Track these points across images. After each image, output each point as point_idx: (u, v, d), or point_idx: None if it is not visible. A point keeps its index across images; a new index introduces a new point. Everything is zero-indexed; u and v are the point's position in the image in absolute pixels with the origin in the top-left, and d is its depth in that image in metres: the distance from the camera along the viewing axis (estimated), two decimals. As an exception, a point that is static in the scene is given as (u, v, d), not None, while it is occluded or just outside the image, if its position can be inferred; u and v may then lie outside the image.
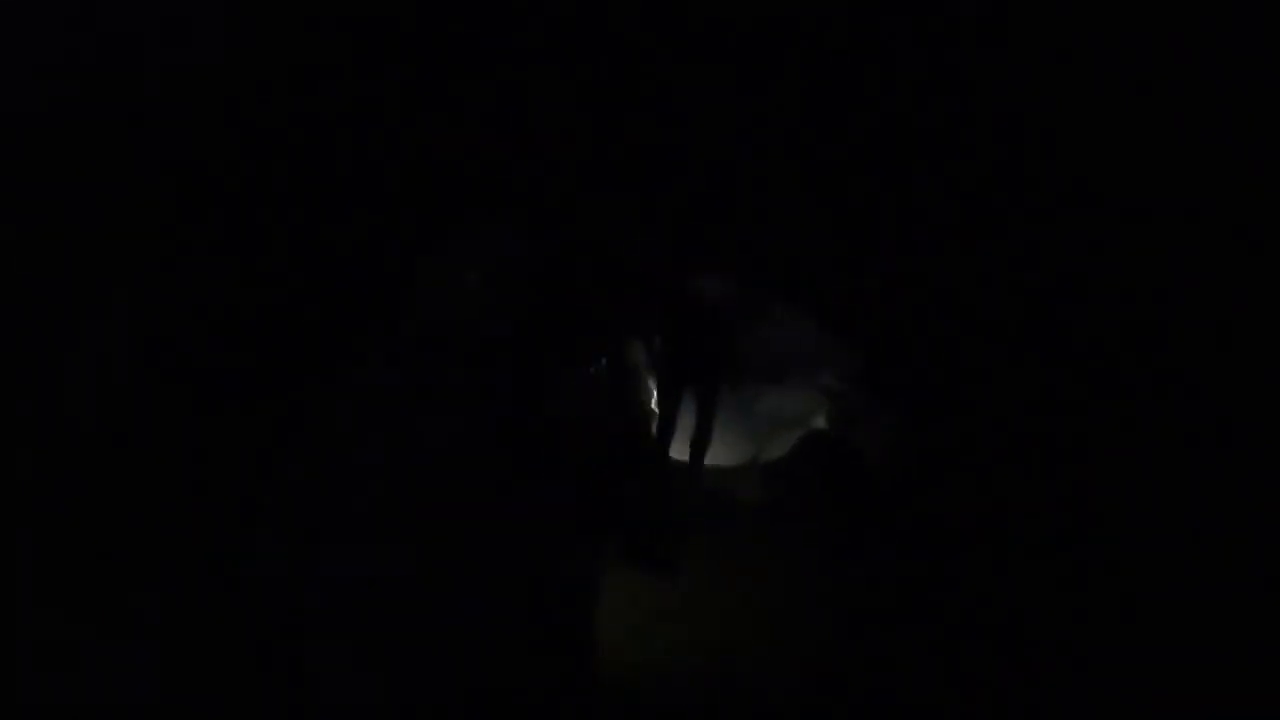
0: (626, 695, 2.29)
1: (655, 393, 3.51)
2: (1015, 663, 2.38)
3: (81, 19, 2.21)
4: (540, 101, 2.69)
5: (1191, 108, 2.37)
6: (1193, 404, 2.40)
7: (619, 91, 2.72)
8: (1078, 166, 2.58)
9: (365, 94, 2.58)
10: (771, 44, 2.74)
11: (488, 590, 1.38)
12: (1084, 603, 2.40)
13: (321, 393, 1.44)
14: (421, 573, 1.36)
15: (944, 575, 2.58)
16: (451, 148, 2.50)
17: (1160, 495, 2.40)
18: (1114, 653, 2.30)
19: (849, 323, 3.14)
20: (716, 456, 3.59)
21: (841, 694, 2.44)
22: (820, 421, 3.55)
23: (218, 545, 1.89)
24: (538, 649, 1.43)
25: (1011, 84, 2.62)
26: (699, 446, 3.45)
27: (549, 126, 2.70)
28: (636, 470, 2.28)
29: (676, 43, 2.72)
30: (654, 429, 2.36)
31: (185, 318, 2.24)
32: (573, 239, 2.62)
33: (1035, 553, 2.52)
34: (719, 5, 2.71)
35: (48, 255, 2.17)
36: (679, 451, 3.63)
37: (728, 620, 2.76)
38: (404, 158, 2.50)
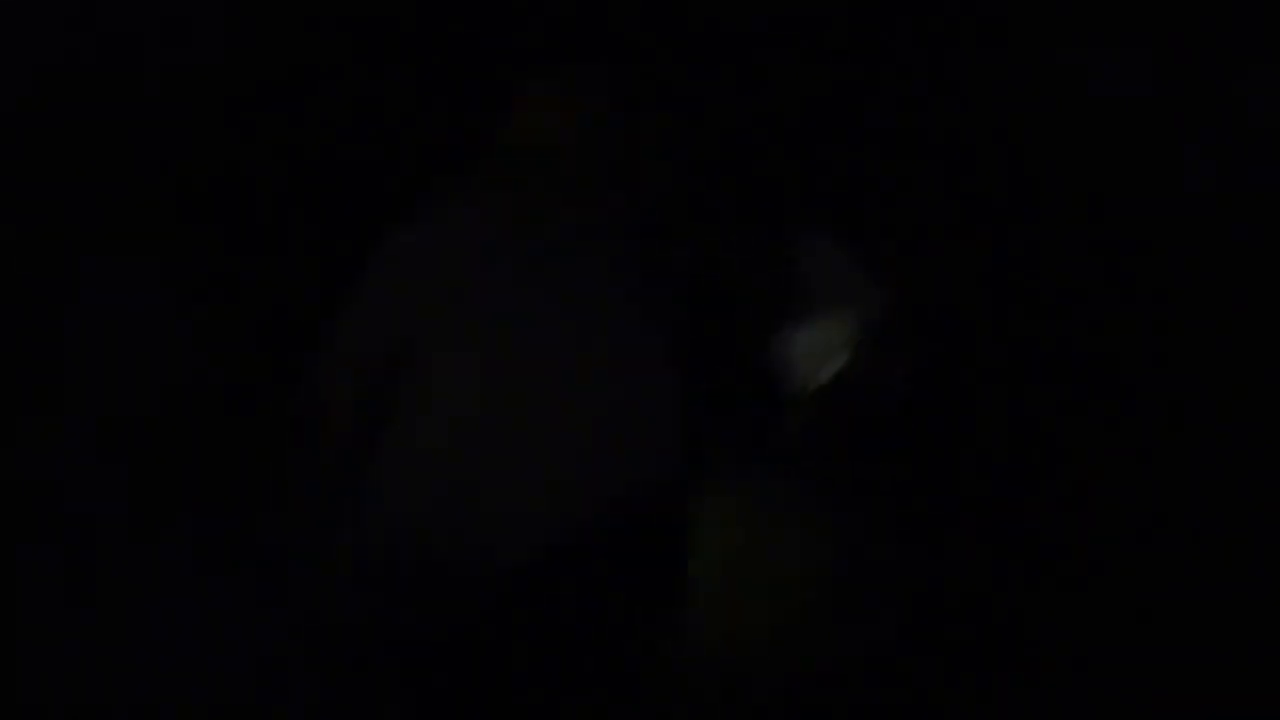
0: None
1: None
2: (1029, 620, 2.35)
3: (81, 19, 2.21)
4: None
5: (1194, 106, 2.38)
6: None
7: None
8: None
9: (366, 94, 2.58)
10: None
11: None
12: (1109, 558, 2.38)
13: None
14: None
15: (960, 526, 2.57)
16: (451, 147, 2.50)
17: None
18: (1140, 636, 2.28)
19: (878, 257, 3.09)
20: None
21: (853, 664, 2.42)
22: (848, 357, 3.52)
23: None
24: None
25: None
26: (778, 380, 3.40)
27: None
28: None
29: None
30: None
31: (188, 316, 2.24)
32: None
33: (1057, 502, 2.50)
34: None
35: (47, 255, 2.17)
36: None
37: (747, 595, 2.73)
38: (404, 157, 2.50)
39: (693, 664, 1.99)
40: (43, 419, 1.98)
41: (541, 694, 1.29)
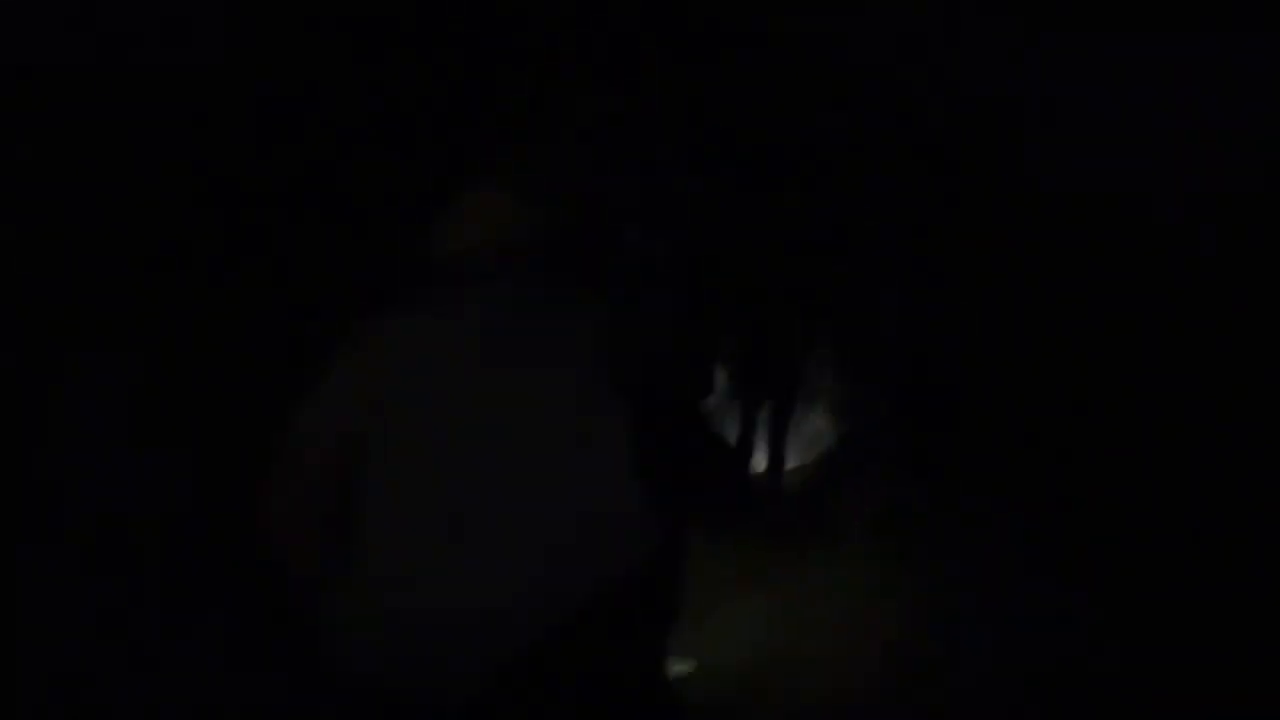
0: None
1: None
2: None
3: (81, 19, 2.21)
4: (543, 103, 2.69)
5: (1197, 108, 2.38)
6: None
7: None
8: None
9: (365, 93, 2.57)
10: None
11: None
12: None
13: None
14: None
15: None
16: (453, 146, 2.49)
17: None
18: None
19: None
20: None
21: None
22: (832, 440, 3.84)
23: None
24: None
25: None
26: (777, 458, 3.72)
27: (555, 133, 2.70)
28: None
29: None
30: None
31: (189, 315, 2.24)
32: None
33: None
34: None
35: (47, 256, 2.16)
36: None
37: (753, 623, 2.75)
38: (404, 156, 2.50)
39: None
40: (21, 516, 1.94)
41: None
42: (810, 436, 3.92)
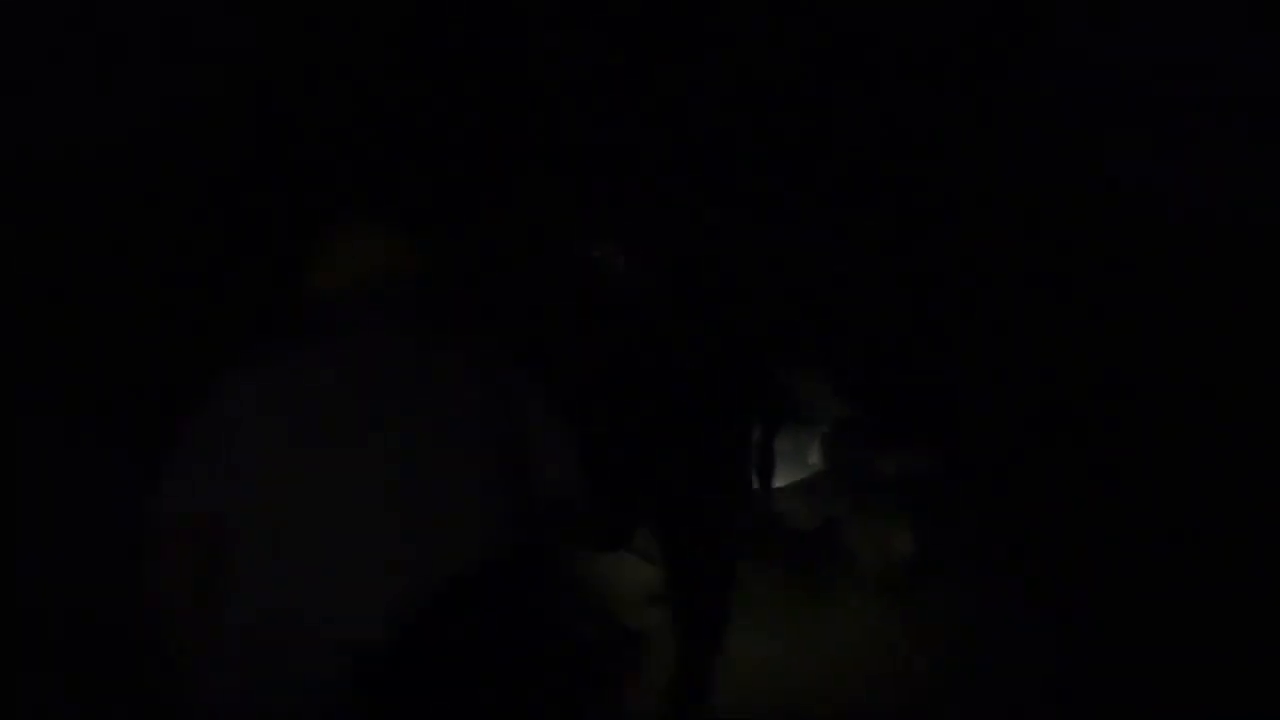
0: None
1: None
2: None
3: (81, 19, 2.20)
4: (543, 104, 2.69)
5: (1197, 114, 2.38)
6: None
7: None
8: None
9: (364, 94, 2.57)
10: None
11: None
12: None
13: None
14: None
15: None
16: (454, 146, 2.50)
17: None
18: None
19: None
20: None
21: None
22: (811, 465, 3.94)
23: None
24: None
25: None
26: (765, 479, 3.77)
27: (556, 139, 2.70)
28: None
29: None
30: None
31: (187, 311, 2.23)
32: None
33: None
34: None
35: (48, 255, 2.16)
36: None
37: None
38: (405, 156, 2.50)
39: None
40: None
41: None
42: (809, 462, 3.90)
